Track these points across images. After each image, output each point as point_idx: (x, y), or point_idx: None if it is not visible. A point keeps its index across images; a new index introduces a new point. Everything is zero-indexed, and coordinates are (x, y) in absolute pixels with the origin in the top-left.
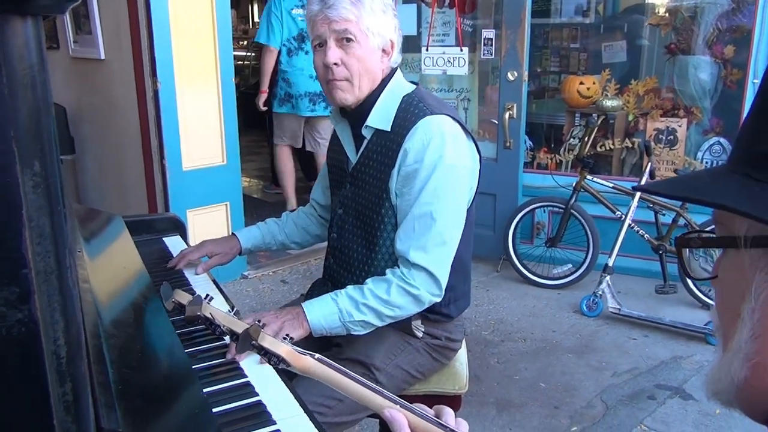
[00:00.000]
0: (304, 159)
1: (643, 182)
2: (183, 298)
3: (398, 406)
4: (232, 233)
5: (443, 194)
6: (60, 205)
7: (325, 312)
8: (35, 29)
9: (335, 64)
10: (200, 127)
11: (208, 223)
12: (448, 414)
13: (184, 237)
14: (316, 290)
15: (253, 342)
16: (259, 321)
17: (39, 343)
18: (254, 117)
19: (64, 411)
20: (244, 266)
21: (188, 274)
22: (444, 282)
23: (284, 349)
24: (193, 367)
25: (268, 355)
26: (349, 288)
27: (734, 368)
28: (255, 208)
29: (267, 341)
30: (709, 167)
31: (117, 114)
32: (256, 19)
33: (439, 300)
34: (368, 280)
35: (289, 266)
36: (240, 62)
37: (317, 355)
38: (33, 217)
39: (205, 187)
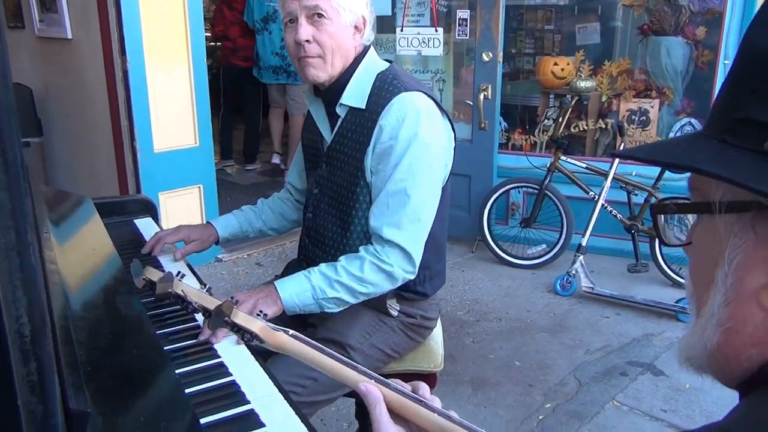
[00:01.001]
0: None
1: (616, 164)
2: (153, 275)
3: (373, 381)
4: (208, 222)
5: (418, 171)
6: (20, 179)
7: (298, 289)
8: None
9: (307, 41)
10: (171, 109)
11: (181, 206)
12: (424, 389)
13: (156, 219)
14: (291, 271)
15: (226, 319)
16: (232, 298)
17: (1, 321)
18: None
19: (29, 391)
20: (218, 249)
21: (161, 257)
22: (418, 259)
23: (258, 326)
24: (165, 348)
25: (241, 332)
26: (322, 265)
27: (707, 334)
28: (228, 191)
29: (240, 318)
30: (686, 134)
31: (86, 95)
32: None
33: (412, 277)
34: (341, 258)
35: (264, 249)
36: (212, 43)
37: (291, 332)
38: None
39: (178, 169)
